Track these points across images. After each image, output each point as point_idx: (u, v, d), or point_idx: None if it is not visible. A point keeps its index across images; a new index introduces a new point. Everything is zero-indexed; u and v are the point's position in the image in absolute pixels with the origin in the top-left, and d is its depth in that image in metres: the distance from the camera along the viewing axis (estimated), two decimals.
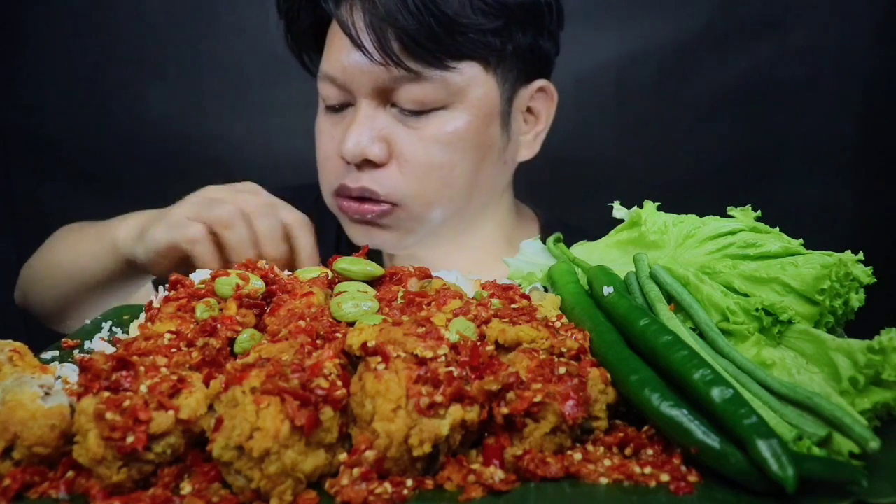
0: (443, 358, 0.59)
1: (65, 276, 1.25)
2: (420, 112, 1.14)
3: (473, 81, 1.14)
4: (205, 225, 1.02)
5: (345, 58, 1.13)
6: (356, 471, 0.54)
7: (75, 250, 1.24)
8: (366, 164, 1.15)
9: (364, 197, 1.17)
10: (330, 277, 0.81)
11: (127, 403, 0.55)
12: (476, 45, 1.11)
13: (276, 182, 1.60)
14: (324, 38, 1.21)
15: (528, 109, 1.27)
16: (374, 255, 1.36)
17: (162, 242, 1.04)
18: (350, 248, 1.35)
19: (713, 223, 0.85)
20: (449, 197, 1.19)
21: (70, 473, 0.56)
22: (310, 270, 0.81)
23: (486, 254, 1.28)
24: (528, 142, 1.29)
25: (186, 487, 0.54)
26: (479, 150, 1.18)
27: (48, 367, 0.70)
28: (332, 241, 1.43)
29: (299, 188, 1.51)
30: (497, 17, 1.11)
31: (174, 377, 0.59)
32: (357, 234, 1.24)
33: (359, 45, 1.09)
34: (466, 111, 1.15)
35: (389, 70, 1.09)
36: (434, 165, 1.15)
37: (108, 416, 0.54)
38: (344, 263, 0.80)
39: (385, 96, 1.14)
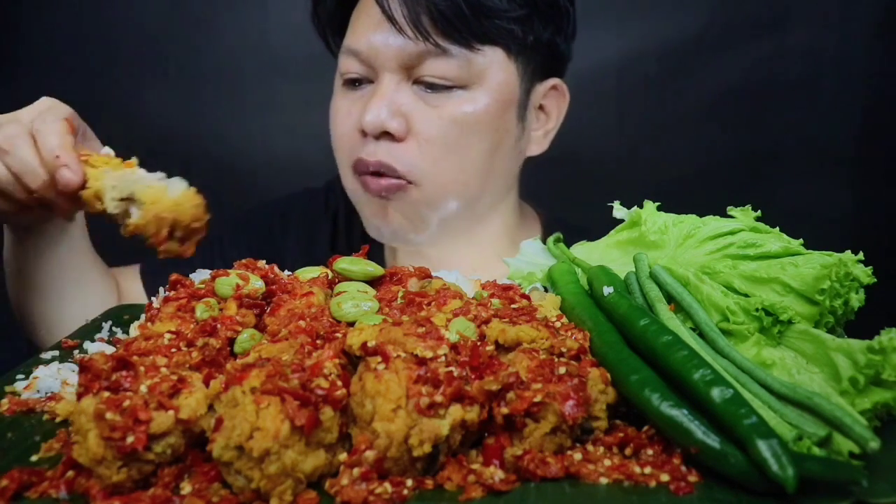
0: (443, 358, 0.59)
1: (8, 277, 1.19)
2: (441, 90, 1.16)
3: (496, 66, 1.17)
4: None
5: (372, 33, 1.15)
6: (356, 471, 0.54)
7: None
8: (384, 136, 1.16)
9: (381, 172, 1.18)
10: (330, 277, 0.81)
11: (127, 403, 0.55)
12: (500, 30, 1.14)
13: (277, 181, 1.61)
14: (347, 18, 1.23)
15: (541, 107, 1.29)
16: (374, 255, 1.36)
17: None
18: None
19: (713, 223, 0.85)
20: (464, 182, 1.20)
21: (70, 473, 0.56)
22: (310, 270, 0.81)
23: (490, 252, 1.29)
24: (539, 138, 1.31)
25: (186, 487, 0.54)
26: (496, 135, 1.20)
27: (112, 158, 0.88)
28: (346, 235, 1.43)
29: (305, 193, 1.51)
30: (521, 7, 1.15)
31: (174, 377, 0.59)
32: (373, 214, 1.24)
33: (391, 18, 1.11)
34: (486, 94, 1.17)
35: (417, 44, 1.12)
36: (451, 144, 1.17)
37: (108, 416, 0.53)
38: (344, 263, 0.80)
39: (408, 72, 1.16)
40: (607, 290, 0.74)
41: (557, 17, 1.22)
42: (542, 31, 1.20)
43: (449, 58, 1.13)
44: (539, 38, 1.20)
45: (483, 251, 1.29)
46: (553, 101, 1.30)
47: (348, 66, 1.20)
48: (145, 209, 0.79)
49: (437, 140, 1.16)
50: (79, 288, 1.17)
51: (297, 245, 1.44)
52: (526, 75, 1.22)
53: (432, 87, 1.16)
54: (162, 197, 0.79)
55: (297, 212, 1.47)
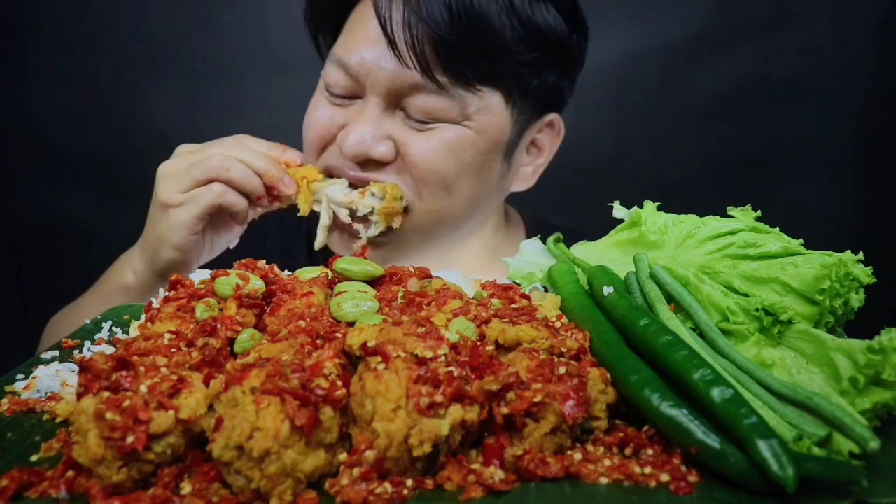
0: (443, 358, 0.59)
1: None
2: (429, 122, 1.10)
3: (490, 109, 1.10)
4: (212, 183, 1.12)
5: (366, 49, 1.07)
6: (356, 471, 0.54)
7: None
8: (369, 162, 1.13)
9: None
10: (330, 277, 0.81)
11: (127, 403, 0.55)
12: (506, 72, 1.07)
13: None
14: (344, 20, 1.15)
15: (533, 141, 1.24)
16: None
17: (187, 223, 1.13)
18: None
19: (713, 223, 0.85)
20: (449, 212, 1.17)
21: (70, 473, 0.56)
22: (310, 270, 0.81)
23: (471, 269, 1.26)
24: (526, 175, 1.26)
25: (186, 487, 0.54)
26: (480, 172, 1.16)
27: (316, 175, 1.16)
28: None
29: (276, 213, 1.48)
30: (533, 49, 1.08)
31: (174, 377, 0.59)
32: (342, 247, 1.20)
33: (390, 41, 1.03)
34: (475, 132, 1.11)
35: (413, 74, 1.04)
36: (440, 172, 1.11)
37: (108, 416, 0.53)
38: (344, 263, 0.79)
39: (396, 100, 1.09)
40: (607, 290, 0.74)
41: (567, 60, 1.16)
42: (548, 74, 1.13)
43: (442, 95, 1.05)
44: (544, 83, 1.14)
45: (463, 270, 1.27)
46: (547, 136, 1.25)
47: (335, 78, 1.12)
48: (388, 201, 1.12)
49: (425, 165, 1.11)
50: None
51: None
52: (522, 117, 1.16)
53: (418, 119, 1.09)
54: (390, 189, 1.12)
55: (270, 234, 1.42)
